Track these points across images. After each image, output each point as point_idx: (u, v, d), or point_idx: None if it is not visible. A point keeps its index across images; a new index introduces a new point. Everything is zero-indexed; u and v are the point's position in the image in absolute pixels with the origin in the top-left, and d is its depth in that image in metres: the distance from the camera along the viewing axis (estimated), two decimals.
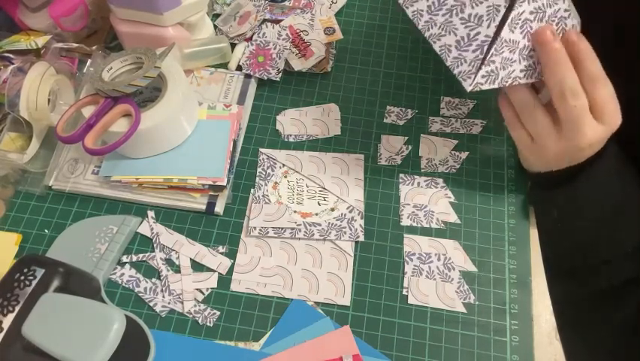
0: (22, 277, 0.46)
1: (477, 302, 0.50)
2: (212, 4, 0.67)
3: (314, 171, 0.57)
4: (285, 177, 0.56)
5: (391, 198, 0.55)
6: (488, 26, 0.43)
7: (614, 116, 0.45)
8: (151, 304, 0.50)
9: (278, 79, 0.62)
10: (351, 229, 0.53)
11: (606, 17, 0.54)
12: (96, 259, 0.50)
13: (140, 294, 0.50)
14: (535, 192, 0.54)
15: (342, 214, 0.54)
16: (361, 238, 0.53)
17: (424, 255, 0.52)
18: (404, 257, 0.52)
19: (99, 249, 0.51)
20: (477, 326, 0.49)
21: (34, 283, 0.45)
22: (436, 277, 0.51)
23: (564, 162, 0.48)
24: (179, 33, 0.60)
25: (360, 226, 0.53)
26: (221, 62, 0.63)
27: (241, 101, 0.60)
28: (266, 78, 0.61)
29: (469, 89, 0.44)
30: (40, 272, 0.46)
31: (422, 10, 0.46)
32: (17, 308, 0.44)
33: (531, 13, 0.43)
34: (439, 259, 0.52)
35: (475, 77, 0.44)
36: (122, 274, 0.51)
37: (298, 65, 0.62)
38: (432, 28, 0.46)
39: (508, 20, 0.43)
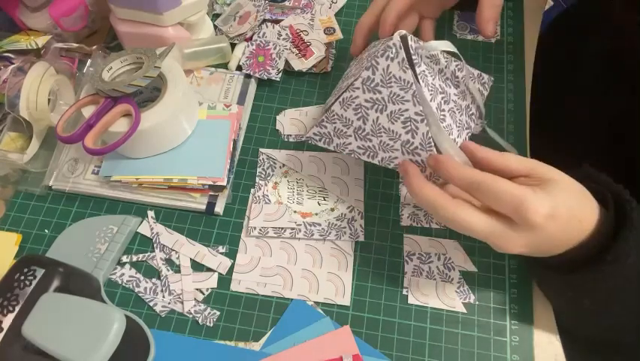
0: (22, 277, 0.46)
1: (477, 302, 0.50)
2: (212, 4, 0.67)
3: (314, 171, 0.57)
4: (285, 177, 0.56)
5: (391, 198, 0.55)
6: (335, 99, 0.48)
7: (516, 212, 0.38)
8: (151, 304, 0.50)
9: (278, 79, 0.62)
10: (351, 229, 0.53)
11: (606, 29, 0.54)
12: (96, 259, 0.50)
13: (140, 294, 0.50)
14: (544, 272, 0.45)
15: (342, 214, 0.54)
16: (361, 238, 0.53)
17: (424, 255, 0.52)
18: (404, 257, 0.52)
19: (99, 249, 0.51)
20: (477, 326, 0.49)
21: (34, 283, 0.45)
22: (436, 277, 0.51)
23: (555, 249, 0.41)
24: (179, 33, 0.60)
25: (360, 226, 0.53)
26: (221, 62, 0.63)
27: (241, 101, 0.60)
28: (266, 78, 0.61)
29: (304, 138, 0.51)
30: (40, 272, 0.46)
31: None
32: (17, 308, 0.44)
33: (367, 101, 0.46)
34: (439, 259, 0.52)
35: (310, 130, 0.50)
36: (122, 274, 0.51)
37: (298, 65, 0.62)
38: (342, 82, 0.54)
39: (340, 98, 0.46)
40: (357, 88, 0.45)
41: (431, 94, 0.46)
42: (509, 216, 0.39)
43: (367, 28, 0.55)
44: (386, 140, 0.46)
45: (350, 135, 0.48)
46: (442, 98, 0.47)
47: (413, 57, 0.45)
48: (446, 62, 0.49)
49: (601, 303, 0.42)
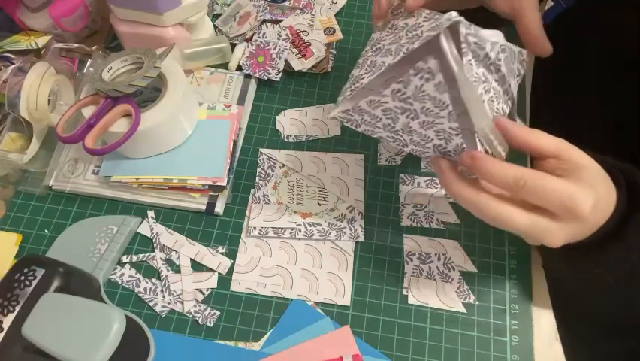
0: (22, 277, 0.46)
1: (477, 302, 0.50)
2: (212, 5, 0.67)
3: (314, 171, 0.57)
4: (285, 177, 0.56)
5: (391, 198, 0.55)
6: (369, 76, 0.44)
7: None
8: (151, 304, 0.50)
9: (278, 79, 0.62)
10: (351, 229, 0.53)
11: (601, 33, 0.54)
12: (96, 259, 0.50)
13: (140, 294, 0.50)
14: (566, 253, 0.44)
15: (342, 214, 0.54)
16: (361, 238, 0.53)
17: (424, 255, 0.52)
18: (404, 257, 0.52)
19: (99, 249, 0.51)
20: (477, 326, 0.49)
21: (34, 283, 0.45)
22: (436, 277, 0.51)
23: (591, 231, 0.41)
24: (179, 33, 0.60)
25: (360, 226, 0.53)
26: (221, 62, 0.63)
27: (241, 101, 0.60)
28: (266, 78, 0.61)
29: (330, 116, 0.46)
30: (40, 272, 0.46)
31: (373, 39, 0.48)
32: (17, 308, 0.44)
33: (397, 107, 0.43)
34: (439, 259, 0.52)
35: (336, 110, 0.46)
36: (122, 274, 0.51)
37: (298, 65, 0.62)
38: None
39: (367, 99, 0.43)
40: (386, 95, 0.42)
41: (474, 84, 0.42)
42: (555, 212, 0.39)
43: None
44: (417, 139, 0.44)
45: (379, 128, 0.45)
46: (484, 87, 0.43)
47: (462, 46, 0.41)
48: (492, 45, 0.43)
49: (626, 280, 0.43)
